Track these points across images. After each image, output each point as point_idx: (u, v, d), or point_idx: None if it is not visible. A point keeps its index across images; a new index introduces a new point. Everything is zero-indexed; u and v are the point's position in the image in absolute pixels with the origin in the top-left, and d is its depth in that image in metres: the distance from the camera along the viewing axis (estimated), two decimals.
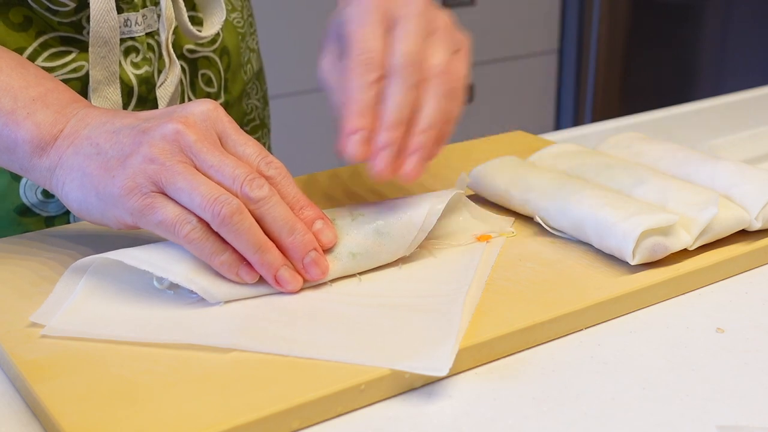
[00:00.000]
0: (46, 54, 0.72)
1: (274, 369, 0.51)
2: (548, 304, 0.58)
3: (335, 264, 0.61)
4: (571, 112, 2.69)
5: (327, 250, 0.61)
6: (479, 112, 2.54)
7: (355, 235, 0.62)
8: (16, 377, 0.52)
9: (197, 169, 0.58)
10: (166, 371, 0.51)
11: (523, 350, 0.56)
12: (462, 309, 0.57)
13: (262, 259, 0.58)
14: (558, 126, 2.71)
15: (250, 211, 0.58)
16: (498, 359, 0.55)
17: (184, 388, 0.50)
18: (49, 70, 0.72)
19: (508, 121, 2.53)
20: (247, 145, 0.60)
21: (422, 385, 0.53)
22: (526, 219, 0.71)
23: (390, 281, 0.62)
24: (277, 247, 0.59)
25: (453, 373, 0.54)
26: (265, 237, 0.58)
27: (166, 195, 0.58)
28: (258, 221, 0.58)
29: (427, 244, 0.66)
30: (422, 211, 0.64)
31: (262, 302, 0.59)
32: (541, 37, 2.60)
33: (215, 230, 0.57)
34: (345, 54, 0.62)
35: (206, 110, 0.60)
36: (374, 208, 0.65)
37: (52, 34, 0.72)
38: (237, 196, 0.57)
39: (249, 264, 0.58)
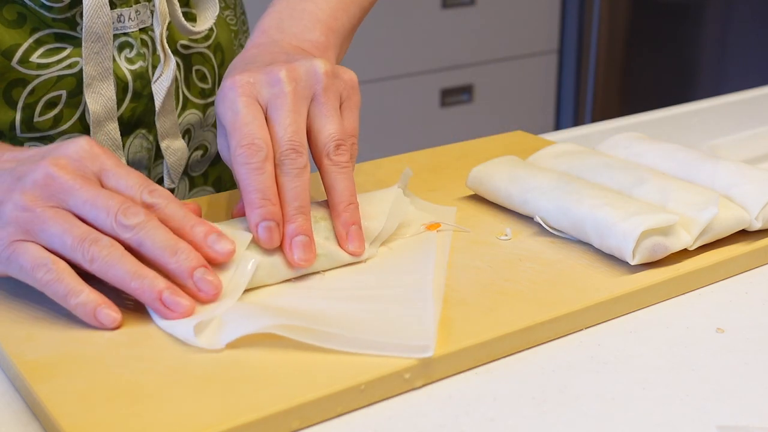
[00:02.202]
0: (40, 50, 0.72)
1: (274, 369, 0.51)
2: (548, 304, 0.58)
3: None
4: (571, 112, 2.69)
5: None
6: (479, 112, 2.54)
7: (318, 237, 0.63)
8: (16, 377, 0.52)
9: (71, 211, 0.57)
10: (166, 371, 0.51)
11: (523, 350, 0.56)
12: (432, 294, 0.57)
13: (141, 286, 0.55)
14: (558, 126, 2.71)
15: (128, 239, 0.56)
16: (498, 359, 0.56)
17: (184, 388, 0.50)
18: (44, 66, 0.72)
19: (508, 121, 2.53)
20: (128, 177, 0.59)
21: (422, 385, 0.53)
22: (526, 219, 0.71)
23: (353, 275, 0.62)
24: (163, 274, 0.57)
25: (453, 373, 0.54)
26: (141, 264, 0.56)
27: (34, 242, 0.56)
28: (138, 249, 0.56)
29: None
30: (378, 224, 0.65)
31: (228, 304, 0.58)
32: (541, 37, 2.60)
33: (88, 270, 0.56)
34: (230, 143, 0.62)
35: (80, 149, 0.59)
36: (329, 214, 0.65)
37: (46, 31, 0.72)
38: (113, 227, 0.56)
39: (111, 305, 0.56)
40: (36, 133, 0.73)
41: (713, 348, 0.57)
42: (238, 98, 0.62)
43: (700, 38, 2.87)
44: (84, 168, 0.59)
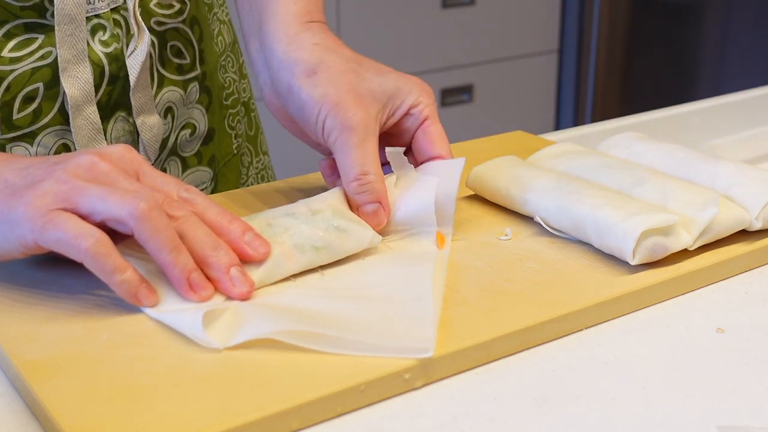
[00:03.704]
0: (11, 44, 0.71)
1: (274, 369, 0.51)
2: (548, 304, 0.58)
3: (300, 257, 0.61)
4: (571, 112, 2.69)
5: (290, 243, 0.62)
6: (479, 112, 2.54)
7: (317, 229, 0.63)
8: (16, 377, 0.52)
9: None
10: (166, 371, 0.51)
11: (523, 350, 0.56)
12: (432, 295, 0.57)
13: (176, 259, 0.56)
14: (558, 126, 2.71)
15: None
16: (498, 359, 0.56)
17: (184, 388, 0.50)
18: (17, 60, 0.71)
19: (508, 121, 2.53)
20: (164, 177, 0.61)
21: (422, 386, 0.53)
22: (526, 219, 0.71)
23: (353, 274, 0.62)
24: (199, 265, 0.58)
25: (453, 373, 0.54)
26: (180, 240, 0.57)
27: (73, 213, 0.56)
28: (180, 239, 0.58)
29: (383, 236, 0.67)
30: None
31: (232, 304, 0.58)
32: (541, 37, 2.60)
33: (129, 228, 0.56)
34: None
35: (120, 150, 0.61)
36: (330, 203, 0.65)
37: (15, 22, 0.70)
38: None
39: (149, 286, 0.57)
40: (16, 131, 0.72)
41: (713, 348, 0.57)
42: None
43: (700, 38, 2.87)
44: (125, 164, 0.60)
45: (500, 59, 2.54)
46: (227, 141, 0.90)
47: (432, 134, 0.70)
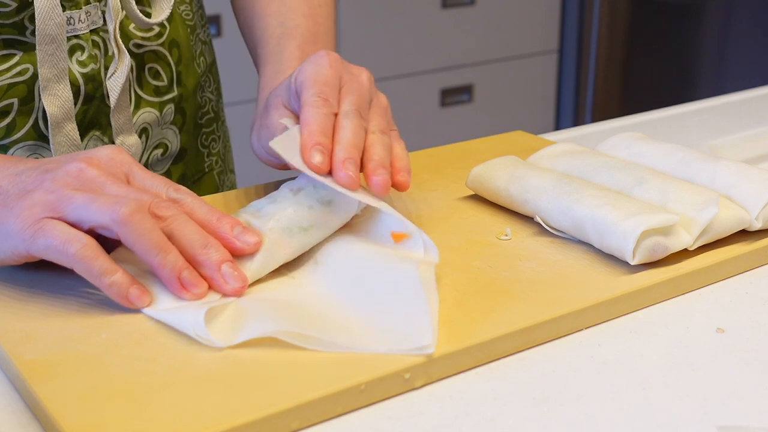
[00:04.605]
0: None
1: (274, 369, 0.51)
2: (548, 304, 0.58)
3: (290, 241, 0.62)
4: (571, 112, 2.69)
5: (278, 228, 0.62)
6: (479, 112, 2.54)
7: (301, 209, 0.63)
8: (16, 377, 0.52)
9: None
10: (166, 371, 0.51)
11: (523, 350, 0.56)
12: (427, 290, 0.56)
13: (164, 260, 0.57)
14: (558, 126, 2.71)
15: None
16: (498, 359, 0.56)
17: (184, 388, 0.50)
18: None
19: (508, 121, 2.53)
20: (154, 178, 0.62)
21: (422, 385, 0.53)
22: (526, 219, 0.71)
23: (347, 265, 0.61)
24: (191, 264, 0.58)
25: (453, 373, 0.54)
26: (167, 240, 0.58)
27: (61, 220, 0.57)
28: (169, 239, 0.58)
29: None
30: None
31: (231, 301, 0.58)
32: (541, 37, 2.60)
33: (115, 234, 0.56)
34: (303, 93, 0.65)
35: (110, 153, 0.61)
36: (311, 178, 0.64)
37: None
38: None
39: (141, 286, 0.57)
40: None
41: (713, 348, 0.57)
42: (330, 65, 0.66)
43: (700, 38, 2.87)
44: (114, 168, 0.61)
45: (500, 59, 2.54)
46: (199, 159, 0.90)
47: (298, 87, 0.67)
